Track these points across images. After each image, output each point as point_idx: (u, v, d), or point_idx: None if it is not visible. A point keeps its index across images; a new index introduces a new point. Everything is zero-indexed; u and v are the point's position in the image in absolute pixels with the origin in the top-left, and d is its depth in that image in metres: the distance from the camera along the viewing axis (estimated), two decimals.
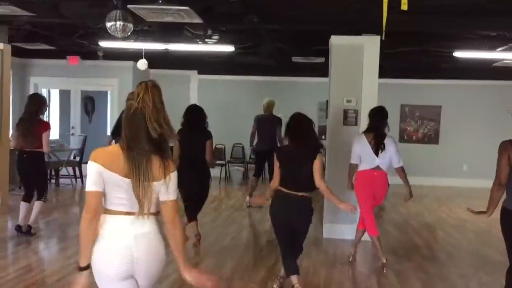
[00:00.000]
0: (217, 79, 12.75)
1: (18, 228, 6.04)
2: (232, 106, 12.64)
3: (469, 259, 5.82)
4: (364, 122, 6.15)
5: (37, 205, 6.08)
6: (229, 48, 9.20)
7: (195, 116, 6.06)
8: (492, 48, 8.46)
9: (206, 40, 8.84)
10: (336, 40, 6.39)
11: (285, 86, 12.36)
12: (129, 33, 6.05)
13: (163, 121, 2.39)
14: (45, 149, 5.98)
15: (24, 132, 5.86)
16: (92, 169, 2.32)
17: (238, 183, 11.38)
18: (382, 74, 11.35)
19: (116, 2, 5.85)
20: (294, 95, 12.26)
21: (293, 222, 4.25)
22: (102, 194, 2.33)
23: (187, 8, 5.00)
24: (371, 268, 5.47)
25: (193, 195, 5.73)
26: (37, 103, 6.15)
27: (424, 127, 12.20)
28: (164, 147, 2.42)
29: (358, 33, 6.38)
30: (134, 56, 11.21)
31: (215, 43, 8.97)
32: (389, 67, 10.70)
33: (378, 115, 5.30)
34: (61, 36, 9.13)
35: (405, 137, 12.21)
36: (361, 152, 5.16)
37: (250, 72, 12.17)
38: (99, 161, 2.33)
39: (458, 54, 8.75)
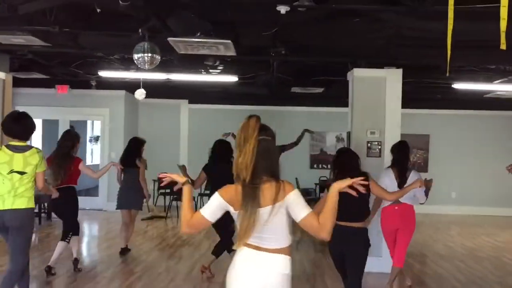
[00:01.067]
0: (208, 108, 12.68)
1: (49, 268, 5.71)
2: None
3: None
4: (387, 153, 6.21)
5: (74, 240, 5.89)
6: (232, 79, 9.19)
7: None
8: (488, 80, 8.77)
9: (210, 70, 8.81)
10: (358, 73, 6.48)
11: (278, 115, 12.38)
12: (156, 65, 5.97)
13: None
14: (94, 176, 5.90)
15: (57, 170, 5.61)
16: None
17: None
18: None
19: (143, 34, 5.79)
20: (287, 125, 12.28)
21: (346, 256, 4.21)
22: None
23: (228, 41, 4.96)
24: None
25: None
26: (71, 139, 5.93)
27: (413, 156, 12.43)
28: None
29: (379, 66, 6.49)
30: (126, 85, 11.06)
31: (219, 73, 8.94)
32: None
33: (401, 150, 5.37)
34: (58, 66, 8.90)
35: None
36: (389, 186, 5.16)
37: (243, 101, 12.16)
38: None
39: (457, 86, 9.03)
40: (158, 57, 5.83)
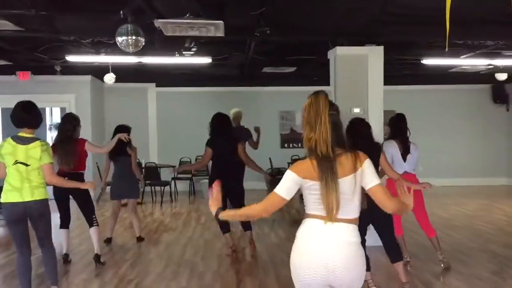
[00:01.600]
0: (176, 91, 12.50)
1: (66, 257, 5.83)
2: (194, 118, 12.41)
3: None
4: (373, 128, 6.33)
5: (94, 231, 5.73)
6: (206, 60, 9.07)
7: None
8: (455, 55, 9.03)
9: (184, 52, 8.65)
10: (341, 51, 6.53)
11: (248, 96, 12.36)
12: (140, 48, 5.81)
13: None
14: (103, 150, 5.93)
15: (64, 154, 5.41)
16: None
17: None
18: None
19: (125, 15, 5.60)
20: (257, 105, 12.31)
21: None
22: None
23: (220, 22, 4.88)
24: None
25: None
26: (72, 122, 5.72)
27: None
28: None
29: (359, 43, 6.55)
30: (92, 70, 10.74)
31: (192, 55, 8.81)
32: None
33: (402, 121, 5.49)
34: (23, 51, 8.53)
35: None
36: (395, 155, 5.29)
37: (213, 83, 12.05)
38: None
39: (427, 61, 9.26)
40: (142, 40, 5.66)
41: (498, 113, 12.87)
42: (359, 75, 6.55)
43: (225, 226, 6.09)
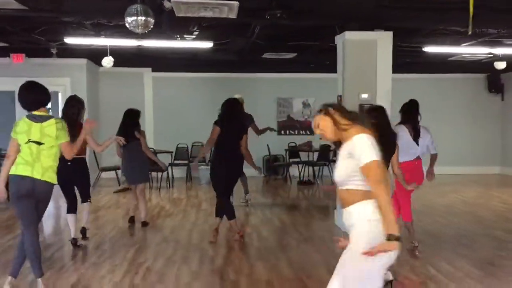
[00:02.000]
0: (173, 77, 12.35)
1: (75, 241, 5.77)
2: (191, 104, 12.32)
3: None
4: None
5: (86, 207, 5.94)
6: (207, 45, 8.96)
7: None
8: (456, 43, 9.04)
9: (186, 36, 8.54)
10: (350, 36, 6.48)
11: (246, 82, 12.27)
12: (149, 29, 5.70)
13: None
14: (98, 150, 5.46)
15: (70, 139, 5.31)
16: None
17: (206, 182, 11.11)
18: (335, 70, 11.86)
19: None
20: (254, 91, 12.22)
21: None
22: None
23: (235, 2, 4.80)
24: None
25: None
26: (76, 105, 5.64)
27: None
28: None
29: (370, 29, 6.52)
30: (88, 53, 10.55)
31: (194, 39, 8.69)
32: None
33: (413, 106, 5.52)
34: (18, 33, 8.33)
35: None
36: (404, 142, 5.29)
37: (210, 68, 11.93)
38: None
39: (428, 49, 9.25)
40: (152, 20, 5.56)
41: (492, 103, 12.97)
42: (368, 61, 6.53)
43: (232, 212, 6.06)
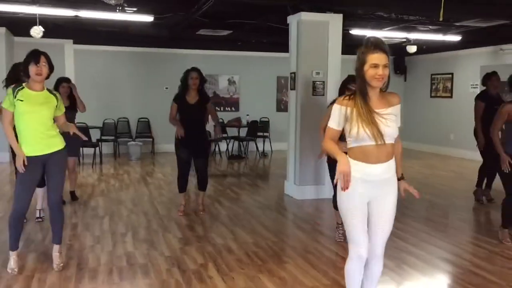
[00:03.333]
0: (96, 50, 11.95)
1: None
2: (116, 79, 12.06)
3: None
4: (330, 92, 6.89)
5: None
6: (148, 18, 8.89)
7: None
8: (378, 27, 9.89)
9: (126, 8, 8.42)
10: (305, 16, 6.90)
11: (171, 57, 12.27)
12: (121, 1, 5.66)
13: None
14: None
15: None
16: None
17: (136, 158, 11.06)
18: (261, 48, 12.30)
19: None
20: (182, 67, 12.24)
21: None
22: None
23: None
24: None
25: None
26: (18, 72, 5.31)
27: None
28: None
29: (320, 10, 6.99)
30: (5, 21, 9.90)
31: (135, 12, 8.60)
32: (267, 42, 11.58)
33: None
34: None
35: (282, 107, 13.31)
36: None
37: (136, 43, 11.75)
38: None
39: (354, 32, 9.99)
40: None
41: (397, 83, 14.23)
42: (320, 40, 7.00)
43: (184, 187, 6.14)
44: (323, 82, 7.04)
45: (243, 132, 12.08)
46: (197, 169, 6.18)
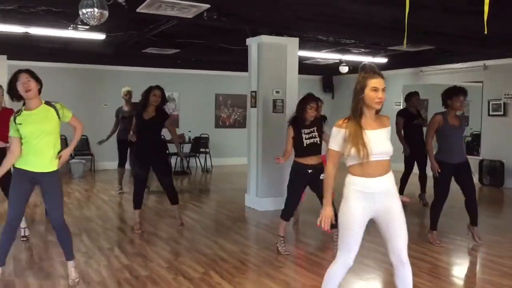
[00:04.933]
0: (35, 66, 11.52)
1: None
2: (53, 96, 11.72)
3: None
4: (289, 110, 7.43)
5: None
6: (99, 36, 8.93)
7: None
8: (317, 49, 10.64)
9: (79, 26, 8.45)
10: (266, 39, 7.39)
11: (113, 74, 12.26)
12: (102, 22, 5.77)
13: None
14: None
15: None
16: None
17: (80, 176, 10.88)
18: (200, 66, 12.65)
19: None
20: (118, 84, 12.26)
21: None
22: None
23: (206, 5, 5.32)
24: None
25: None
26: None
27: (234, 114, 13.94)
28: None
29: (278, 33, 7.53)
30: None
31: (87, 30, 8.63)
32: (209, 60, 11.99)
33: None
34: None
35: (220, 123, 13.70)
36: None
37: (78, 59, 11.60)
38: None
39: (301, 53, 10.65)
40: (106, 13, 5.68)
41: (325, 100, 15.08)
42: (279, 62, 7.53)
43: (139, 204, 6.14)
44: (282, 100, 7.55)
45: (186, 148, 12.28)
46: (162, 185, 6.31)
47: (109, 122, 9.35)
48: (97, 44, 10.09)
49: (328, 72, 14.20)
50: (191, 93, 13.30)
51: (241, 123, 14.01)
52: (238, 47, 9.62)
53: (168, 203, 6.48)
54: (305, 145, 5.12)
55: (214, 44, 9.96)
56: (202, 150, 12.52)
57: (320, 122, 5.30)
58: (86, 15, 5.59)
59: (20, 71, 4.24)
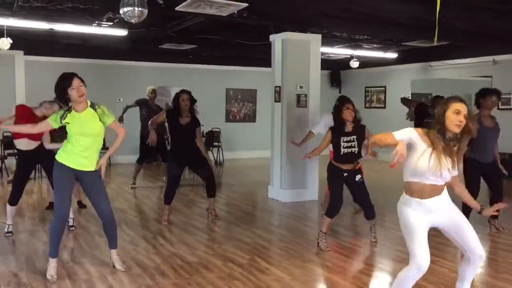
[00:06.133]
0: (49, 61, 11.78)
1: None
2: None
3: None
4: (311, 104, 7.72)
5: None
6: (122, 32, 9.11)
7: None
8: (330, 45, 10.86)
9: (103, 23, 8.64)
10: (290, 36, 7.63)
11: (128, 69, 12.43)
12: (141, 20, 5.97)
13: None
14: None
15: None
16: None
17: None
18: (211, 61, 12.84)
19: None
20: (135, 79, 12.47)
21: None
22: None
23: (245, 4, 5.54)
24: None
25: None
26: None
27: (244, 108, 14.17)
28: None
29: (302, 30, 7.77)
30: None
31: (110, 26, 8.81)
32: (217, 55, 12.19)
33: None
34: None
35: (230, 117, 13.93)
36: None
37: (94, 55, 11.77)
38: None
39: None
40: (146, 11, 5.89)
41: (333, 95, 15.41)
42: (302, 57, 7.76)
43: (169, 200, 6.36)
44: (306, 95, 7.79)
45: None
46: (202, 178, 6.59)
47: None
48: (115, 40, 10.28)
49: (336, 67, 14.44)
50: (203, 87, 13.48)
51: (250, 117, 14.25)
52: (254, 42, 9.86)
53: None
54: (342, 153, 5.25)
55: (230, 40, 10.16)
56: (215, 144, 12.73)
57: (362, 130, 5.37)
58: (127, 14, 5.81)
59: (70, 76, 4.45)
